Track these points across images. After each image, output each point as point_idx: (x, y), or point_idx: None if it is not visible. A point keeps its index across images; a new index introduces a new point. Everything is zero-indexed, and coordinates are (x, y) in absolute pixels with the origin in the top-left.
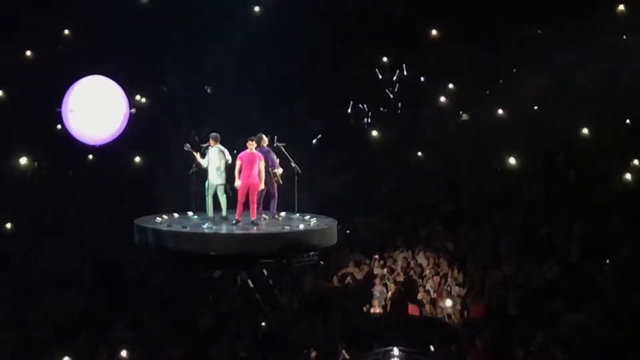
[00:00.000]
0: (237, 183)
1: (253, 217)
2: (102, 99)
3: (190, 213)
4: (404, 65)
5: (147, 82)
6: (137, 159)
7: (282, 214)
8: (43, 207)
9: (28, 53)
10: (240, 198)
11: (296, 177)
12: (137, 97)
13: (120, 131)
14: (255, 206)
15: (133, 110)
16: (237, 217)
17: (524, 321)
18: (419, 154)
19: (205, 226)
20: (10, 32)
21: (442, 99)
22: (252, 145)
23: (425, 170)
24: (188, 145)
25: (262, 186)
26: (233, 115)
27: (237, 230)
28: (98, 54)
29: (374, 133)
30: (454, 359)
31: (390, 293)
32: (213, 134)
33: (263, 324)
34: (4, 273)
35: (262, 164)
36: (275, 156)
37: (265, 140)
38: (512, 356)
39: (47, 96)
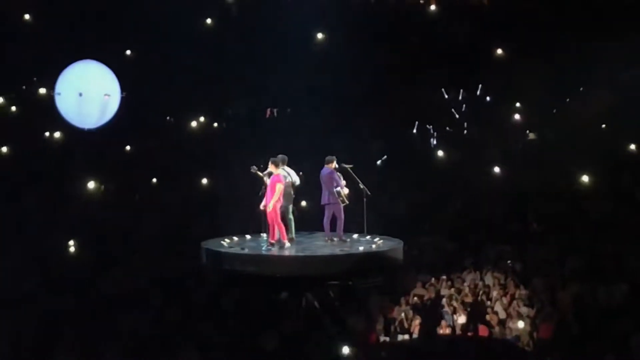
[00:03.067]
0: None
1: (272, 240)
2: (89, 84)
3: (263, 235)
4: (470, 84)
5: (213, 104)
6: (204, 181)
7: (355, 235)
8: (110, 230)
9: None
10: (268, 221)
11: (365, 199)
12: (201, 119)
13: (111, 116)
14: (273, 229)
15: (124, 93)
16: (270, 239)
17: (594, 342)
18: (486, 174)
19: (263, 248)
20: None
21: (509, 118)
22: (272, 167)
23: (492, 190)
24: (255, 167)
25: (270, 209)
26: (298, 137)
27: (302, 252)
28: (163, 75)
29: (440, 153)
30: None
31: (458, 314)
32: (280, 156)
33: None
34: (71, 296)
35: (280, 187)
36: (338, 176)
37: (334, 163)
38: None
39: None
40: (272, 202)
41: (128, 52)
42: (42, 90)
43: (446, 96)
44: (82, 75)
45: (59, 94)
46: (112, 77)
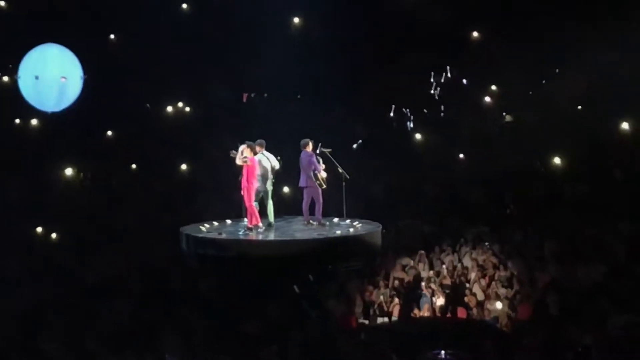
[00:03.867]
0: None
1: (258, 223)
2: (46, 67)
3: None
4: (446, 67)
5: (189, 90)
6: (184, 167)
7: (335, 219)
8: (89, 218)
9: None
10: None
11: (344, 183)
12: (181, 105)
13: (73, 99)
14: (255, 212)
15: (85, 76)
16: (248, 224)
17: (572, 322)
18: (463, 156)
19: (240, 233)
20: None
21: (485, 100)
22: (246, 150)
23: (469, 173)
24: (234, 151)
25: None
26: (276, 122)
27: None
28: (141, 62)
29: (417, 136)
30: None
31: (437, 296)
32: (258, 141)
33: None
34: (51, 284)
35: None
36: (317, 160)
37: (310, 145)
38: (560, 357)
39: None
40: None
41: (104, 38)
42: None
43: (422, 79)
44: (40, 59)
45: (19, 77)
46: (72, 60)
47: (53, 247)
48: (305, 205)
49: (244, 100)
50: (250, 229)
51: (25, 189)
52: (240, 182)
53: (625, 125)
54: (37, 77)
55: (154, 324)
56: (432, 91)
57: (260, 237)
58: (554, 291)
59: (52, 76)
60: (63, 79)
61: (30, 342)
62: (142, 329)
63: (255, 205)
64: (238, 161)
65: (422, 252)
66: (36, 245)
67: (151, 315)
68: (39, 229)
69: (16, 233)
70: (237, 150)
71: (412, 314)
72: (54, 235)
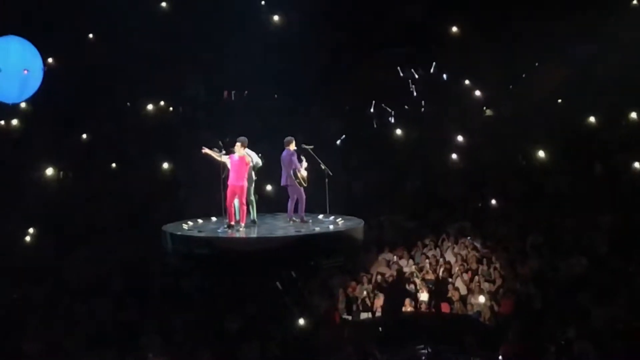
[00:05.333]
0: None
1: (242, 222)
2: (9, 59)
3: (213, 219)
4: (425, 63)
5: (168, 88)
6: (165, 165)
7: (319, 216)
8: (69, 217)
9: (50, 60)
10: (229, 201)
11: (327, 180)
12: (162, 103)
13: (33, 91)
14: (245, 209)
15: (45, 68)
16: (229, 221)
17: (554, 316)
18: (443, 151)
19: (219, 230)
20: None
21: (466, 95)
22: (238, 147)
23: (451, 167)
24: (205, 148)
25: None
26: (255, 119)
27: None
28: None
29: (398, 132)
30: (485, 356)
31: (420, 291)
32: (240, 138)
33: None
34: (31, 283)
35: (249, 168)
36: (296, 159)
37: (293, 144)
38: (542, 351)
39: (69, 105)
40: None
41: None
42: None
43: (402, 74)
44: (2, 51)
45: None
46: (33, 52)
47: (31, 246)
48: (290, 203)
49: (225, 97)
50: (230, 226)
51: (3, 189)
52: (225, 180)
53: (604, 118)
54: (0, 70)
55: (134, 323)
56: (411, 86)
57: (241, 234)
58: (535, 285)
59: (15, 69)
60: (25, 72)
61: (9, 343)
62: (122, 327)
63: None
64: (220, 158)
65: (404, 247)
66: (14, 245)
67: (132, 313)
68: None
69: None
70: (218, 148)
71: (395, 309)
72: (30, 236)
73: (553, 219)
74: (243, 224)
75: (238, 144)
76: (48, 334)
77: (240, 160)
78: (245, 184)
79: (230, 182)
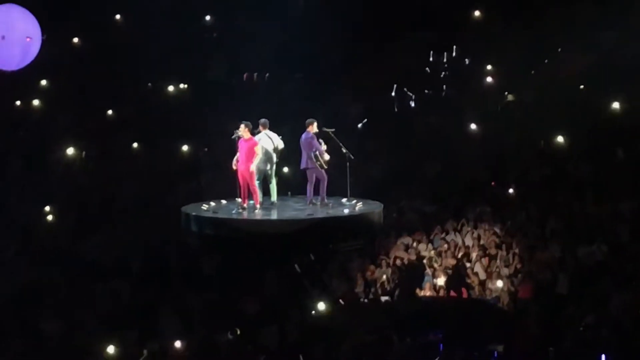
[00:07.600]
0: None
1: (257, 204)
2: (12, 26)
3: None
4: (448, 48)
5: (190, 71)
6: (185, 147)
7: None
8: (90, 197)
9: (75, 40)
10: (241, 184)
11: (348, 163)
12: (182, 86)
13: (32, 59)
14: (257, 190)
15: (44, 36)
16: (242, 203)
17: (573, 302)
18: (464, 136)
19: (233, 212)
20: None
21: (487, 80)
22: (243, 130)
23: (471, 152)
24: (237, 132)
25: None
26: (278, 102)
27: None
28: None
29: (419, 116)
30: (503, 341)
31: (439, 275)
32: (261, 120)
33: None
34: (52, 264)
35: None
36: (319, 142)
37: (314, 126)
38: (561, 337)
39: (93, 87)
40: (253, 165)
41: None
42: None
43: (424, 59)
44: (6, 19)
45: None
46: (33, 21)
47: (52, 226)
48: (310, 186)
49: (245, 79)
50: (243, 208)
51: (26, 169)
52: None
53: (627, 105)
54: (3, 37)
55: (154, 304)
56: (433, 71)
57: (260, 216)
58: (555, 270)
59: (18, 36)
60: (28, 39)
61: (29, 322)
62: (141, 308)
63: (257, 184)
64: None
65: (423, 232)
66: (35, 226)
67: (151, 294)
68: (39, 209)
69: (15, 213)
70: (239, 130)
71: (412, 294)
72: (51, 216)
73: (573, 205)
74: (258, 206)
75: (242, 126)
76: (68, 314)
77: (248, 143)
78: (254, 167)
79: (239, 166)
